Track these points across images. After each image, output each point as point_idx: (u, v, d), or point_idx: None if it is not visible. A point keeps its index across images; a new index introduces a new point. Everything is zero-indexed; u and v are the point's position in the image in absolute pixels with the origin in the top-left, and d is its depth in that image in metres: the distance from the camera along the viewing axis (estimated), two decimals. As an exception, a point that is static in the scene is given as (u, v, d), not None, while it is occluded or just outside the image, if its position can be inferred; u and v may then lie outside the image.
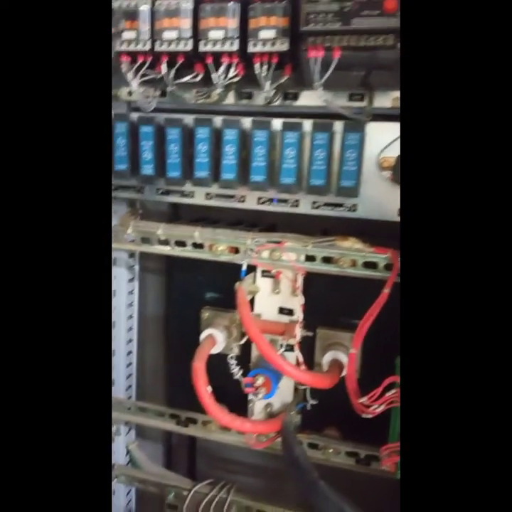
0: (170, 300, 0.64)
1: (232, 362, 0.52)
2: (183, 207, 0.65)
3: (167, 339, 0.68)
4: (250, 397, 0.58)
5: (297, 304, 0.54)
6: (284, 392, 0.56)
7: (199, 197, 0.55)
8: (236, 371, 0.51)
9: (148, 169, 0.52)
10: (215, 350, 0.56)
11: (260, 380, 0.50)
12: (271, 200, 0.53)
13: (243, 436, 0.59)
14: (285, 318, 0.54)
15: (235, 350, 0.57)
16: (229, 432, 0.59)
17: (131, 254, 0.66)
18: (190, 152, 0.52)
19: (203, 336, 0.57)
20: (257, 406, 0.57)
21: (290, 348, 0.52)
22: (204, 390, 0.50)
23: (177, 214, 0.67)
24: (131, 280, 0.67)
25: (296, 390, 0.56)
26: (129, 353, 0.69)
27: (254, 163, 0.50)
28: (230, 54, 0.45)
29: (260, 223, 0.61)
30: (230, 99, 0.52)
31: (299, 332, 0.52)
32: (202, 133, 0.51)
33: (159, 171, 0.53)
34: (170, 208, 0.67)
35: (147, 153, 0.52)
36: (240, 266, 0.54)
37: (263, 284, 0.54)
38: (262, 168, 0.50)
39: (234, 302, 0.56)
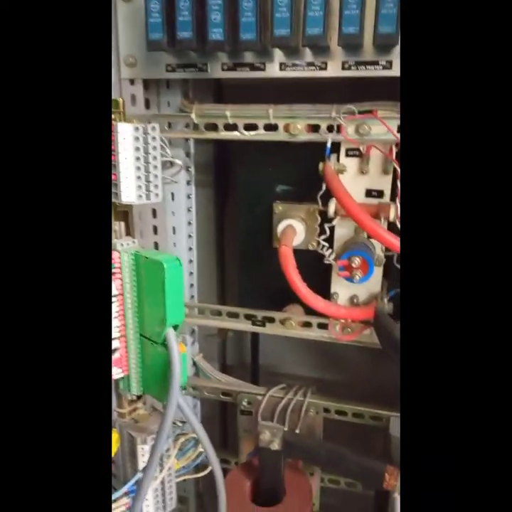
0: (236, 198, 0.60)
1: (323, 243, 0.48)
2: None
3: (235, 243, 0.63)
4: (333, 290, 0.55)
5: (387, 184, 0.49)
6: (370, 282, 0.53)
7: (271, 69, 0.48)
8: (328, 254, 0.48)
9: (217, 34, 0.45)
10: (295, 242, 0.52)
11: (357, 261, 0.46)
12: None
13: (325, 332, 0.56)
14: (374, 201, 0.50)
15: (314, 245, 0.54)
16: (310, 328, 0.57)
17: (187, 153, 0.61)
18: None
19: (281, 226, 0.53)
20: (342, 298, 0.54)
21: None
22: (295, 274, 0.47)
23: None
24: (188, 182, 0.62)
25: (385, 275, 0.53)
26: (190, 261, 0.66)
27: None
28: None
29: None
30: None
31: (393, 212, 0.47)
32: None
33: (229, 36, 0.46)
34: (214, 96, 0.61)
35: (216, 14, 0.45)
36: (312, 152, 0.49)
37: (348, 164, 0.50)
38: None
39: (308, 194, 0.52)
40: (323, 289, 0.54)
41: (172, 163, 0.50)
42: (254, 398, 0.66)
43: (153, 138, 0.42)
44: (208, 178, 0.67)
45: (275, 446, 0.53)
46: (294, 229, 0.52)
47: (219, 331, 0.78)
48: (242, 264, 0.62)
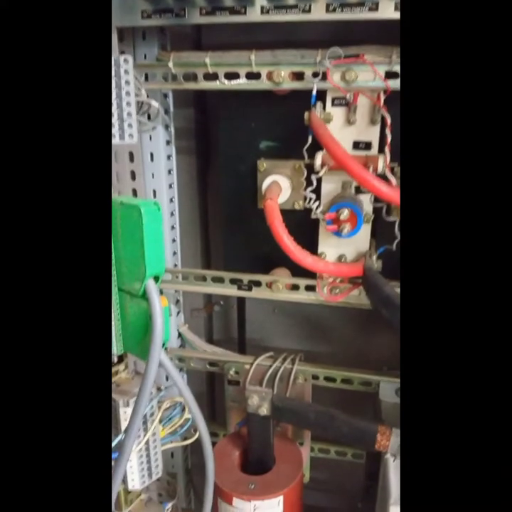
0: (219, 159, 0.57)
1: (311, 195, 0.46)
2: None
3: (219, 206, 0.61)
4: (321, 249, 0.53)
5: (375, 135, 0.47)
6: (358, 241, 0.51)
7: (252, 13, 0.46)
8: (315, 207, 0.46)
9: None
10: (281, 199, 0.50)
11: (345, 213, 0.44)
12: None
13: (313, 294, 0.55)
14: (361, 154, 0.48)
15: (301, 204, 0.52)
16: (297, 291, 0.55)
17: (166, 110, 0.58)
18: None
19: (266, 183, 0.51)
20: (329, 258, 0.53)
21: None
22: (281, 229, 0.44)
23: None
24: (168, 143, 0.59)
25: (373, 235, 0.51)
26: (172, 228, 0.63)
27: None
28: None
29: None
30: None
31: (381, 163, 0.46)
32: None
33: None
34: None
35: None
36: (296, 104, 0.47)
37: (335, 114, 0.47)
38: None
39: (293, 150, 0.50)
40: (310, 250, 0.52)
41: (149, 106, 0.47)
42: (242, 367, 0.64)
43: (126, 71, 0.39)
44: (189, 143, 0.64)
45: (264, 411, 0.51)
46: (279, 185, 0.50)
47: (205, 305, 0.76)
48: (227, 228, 0.59)
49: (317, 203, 0.47)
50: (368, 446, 0.47)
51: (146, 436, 0.43)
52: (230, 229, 0.59)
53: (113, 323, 0.39)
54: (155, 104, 0.47)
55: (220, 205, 0.59)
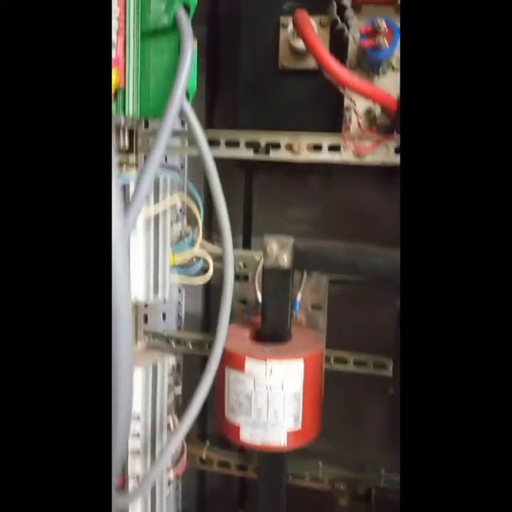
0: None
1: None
2: None
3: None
4: (347, 102, 0.50)
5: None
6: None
7: None
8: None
9: None
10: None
11: (383, 25, 0.42)
12: None
13: (337, 154, 0.51)
14: None
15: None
16: (320, 152, 0.51)
17: None
18: None
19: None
20: (355, 117, 0.49)
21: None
22: (314, 37, 0.42)
23: None
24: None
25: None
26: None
27: None
28: None
29: None
30: None
31: None
32: None
33: None
34: None
35: None
36: None
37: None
38: None
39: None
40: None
41: None
42: (252, 259, 0.58)
43: None
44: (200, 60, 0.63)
45: (284, 260, 0.45)
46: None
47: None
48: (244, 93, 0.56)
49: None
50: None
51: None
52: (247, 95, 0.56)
53: (131, 77, 0.34)
54: None
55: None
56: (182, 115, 0.33)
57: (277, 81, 0.55)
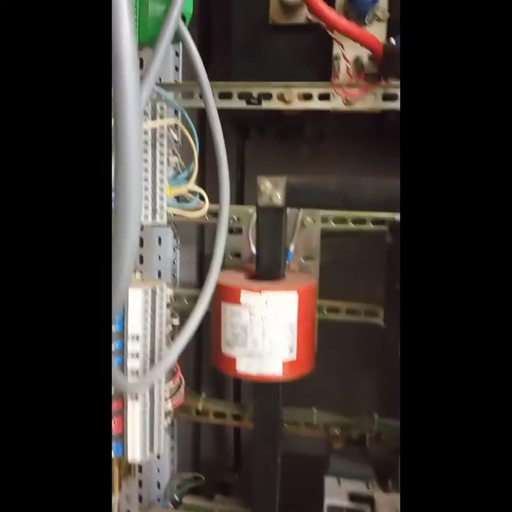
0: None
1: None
2: None
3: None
4: (336, 51, 0.52)
5: None
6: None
7: None
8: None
9: None
10: None
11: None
12: None
13: (326, 103, 0.52)
14: None
15: None
16: (310, 100, 0.53)
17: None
18: None
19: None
20: (344, 64, 0.51)
21: None
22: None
23: None
24: None
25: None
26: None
27: None
28: None
29: None
30: None
31: None
32: None
33: None
34: None
35: None
36: None
37: None
38: None
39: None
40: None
41: None
42: (246, 212, 0.59)
43: None
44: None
45: (277, 197, 0.47)
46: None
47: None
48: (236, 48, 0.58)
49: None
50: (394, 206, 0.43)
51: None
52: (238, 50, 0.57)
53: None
54: None
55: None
56: (179, 37, 0.35)
57: (268, 36, 0.56)
